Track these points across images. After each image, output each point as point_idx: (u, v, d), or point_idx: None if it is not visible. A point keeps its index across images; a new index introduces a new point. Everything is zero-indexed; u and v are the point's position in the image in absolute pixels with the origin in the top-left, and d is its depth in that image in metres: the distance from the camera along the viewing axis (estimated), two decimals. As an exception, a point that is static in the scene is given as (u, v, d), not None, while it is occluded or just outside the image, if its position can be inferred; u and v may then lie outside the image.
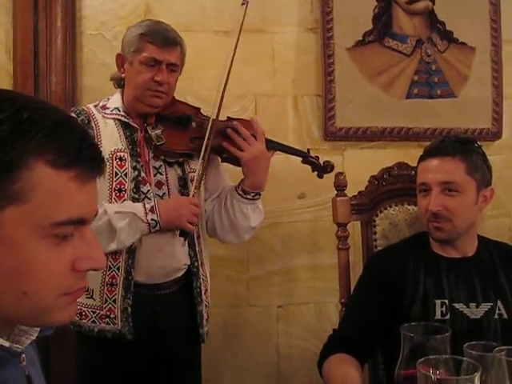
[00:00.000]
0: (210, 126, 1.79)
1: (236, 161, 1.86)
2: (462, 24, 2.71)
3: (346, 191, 1.93)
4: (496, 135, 2.75)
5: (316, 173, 1.98)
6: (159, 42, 1.75)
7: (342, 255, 1.90)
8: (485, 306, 1.64)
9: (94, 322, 1.75)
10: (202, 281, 1.87)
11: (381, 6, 2.61)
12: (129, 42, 1.79)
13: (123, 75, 1.82)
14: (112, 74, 1.89)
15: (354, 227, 2.04)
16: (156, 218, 1.70)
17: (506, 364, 0.98)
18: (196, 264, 1.85)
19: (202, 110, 1.92)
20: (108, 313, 1.74)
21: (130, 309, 1.74)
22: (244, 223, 1.88)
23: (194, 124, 1.83)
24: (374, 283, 1.71)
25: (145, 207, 1.71)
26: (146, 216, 1.69)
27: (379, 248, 1.90)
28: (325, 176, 1.98)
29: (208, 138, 1.78)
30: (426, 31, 2.68)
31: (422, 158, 1.73)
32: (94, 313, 1.75)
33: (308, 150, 1.99)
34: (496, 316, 1.64)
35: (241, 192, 1.86)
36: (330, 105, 2.53)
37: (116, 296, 1.73)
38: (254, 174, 1.84)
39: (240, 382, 2.51)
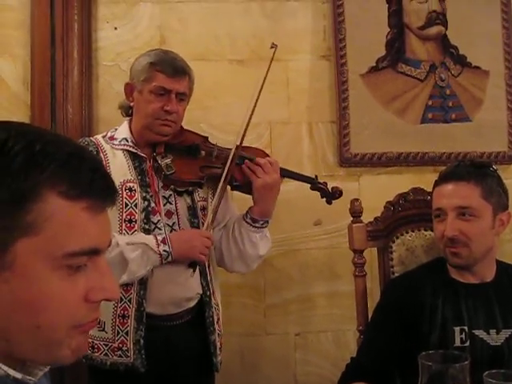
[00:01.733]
0: (232, 153, 1.81)
1: (247, 188, 1.86)
2: (475, 48, 2.71)
3: (362, 217, 1.92)
4: (512, 158, 2.73)
5: (325, 199, 1.97)
6: (169, 71, 1.77)
7: (358, 282, 1.89)
8: (505, 333, 1.62)
9: (106, 354, 1.74)
10: (214, 310, 1.85)
11: (393, 32, 2.63)
12: (138, 71, 1.80)
13: (132, 104, 1.84)
14: (120, 102, 1.91)
15: (371, 253, 2.02)
16: (168, 250, 1.70)
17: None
18: (208, 293, 1.84)
19: (209, 139, 1.92)
20: (120, 345, 1.72)
21: (142, 341, 1.73)
22: (252, 252, 1.88)
23: (203, 153, 1.84)
24: (392, 310, 1.69)
25: (156, 238, 1.70)
26: (158, 247, 1.69)
27: (396, 274, 1.88)
28: (333, 202, 1.97)
29: (229, 167, 1.79)
30: (440, 56, 2.69)
31: (436, 184, 1.72)
32: (106, 345, 1.73)
33: (316, 176, 1.99)
34: (518, 342, 1.61)
35: (249, 220, 1.85)
36: (344, 131, 2.53)
37: (128, 328, 1.72)
38: (264, 202, 1.84)
39: (259, 411, 2.49)
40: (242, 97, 2.36)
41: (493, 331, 1.61)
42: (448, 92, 2.67)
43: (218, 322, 1.88)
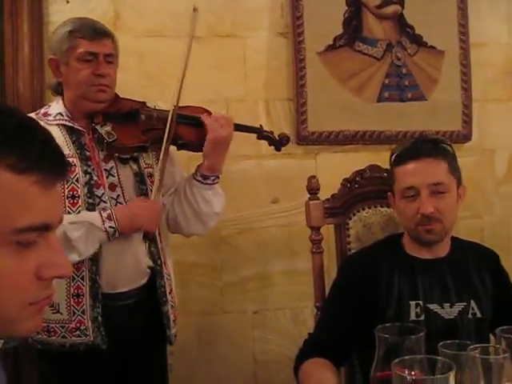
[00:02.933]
0: (171, 113, 1.78)
1: (193, 146, 1.84)
2: (431, 28, 2.74)
3: (319, 195, 1.92)
4: (466, 137, 2.77)
5: (273, 147, 1.97)
6: (90, 34, 1.72)
7: (316, 259, 1.90)
8: (458, 306, 1.66)
9: (64, 337, 1.70)
10: (166, 280, 1.83)
11: (351, 10, 2.62)
12: (58, 43, 1.74)
13: (60, 79, 1.78)
14: (46, 83, 1.84)
15: (328, 230, 2.03)
16: (114, 225, 1.66)
17: (480, 362, 0.98)
18: (159, 262, 1.81)
19: (147, 103, 1.89)
20: (78, 325, 1.69)
21: (100, 318, 1.70)
22: (207, 209, 1.86)
23: (143, 116, 1.80)
24: (348, 286, 1.70)
25: (101, 215, 1.67)
26: (104, 224, 1.66)
27: (353, 251, 1.90)
28: (282, 149, 1.97)
29: (170, 126, 1.76)
30: (396, 35, 2.70)
31: (400, 162, 1.70)
32: (62, 327, 1.69)
33: (261, 125, 1.97)
34: (470, 315, 1.65)
35: (200, 178, 1.83)
36: (301, 109, 2.53)
37: (84, 307, 1.69)
38: (215, 156, 1.81)
39: (216, 389, 2.49)
40: (199, 74, 2.33)
41: (447, 305, 1.65)
42: (404, 71, 2.69)
43: (170, 293, 1.85)
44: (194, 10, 1.87)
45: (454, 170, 1.69)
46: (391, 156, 1.77)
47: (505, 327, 1.13)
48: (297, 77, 2.53)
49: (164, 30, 2.46)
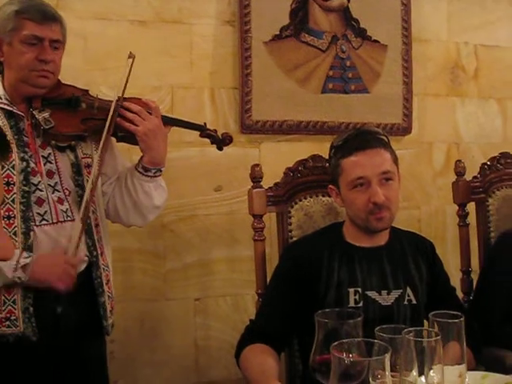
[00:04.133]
0: (114, 104, 1.73)
1: (133, 138, 1.79)
2: (375, 22, 2.79)
3: (262, 183, 1.94)
4: (406, 130, 2.85)
5: (215, 146, 1.96)
6: (38, 17, 1.65)
7: (258, 246, 1.92)
8: (395, 293, 1.71)
9: None
10: (102, 271, 1.78)
11: (298, 1, 2.64)
12: (3, 21, 1.66)
13: (2, 59, 1.70)
14: None
15: (270, 219, 2.05)
16: (23, 277, 1.59)
17: (414, 345, 1.03)
18: (95, 253, 1.76)
19: (89, 92, 1.83)
20: (8, 315, 1.62)
21: (31, 308, 1.64)
22: (147, 202, 1.83)
23: (83, 105, 1.74)
24: (289, 273, 1.73)
25: (17, 264, 1.58)
26: (14, 272, 1.58)
27: (294, 239, 1.93)
28: (224, 148, 1.96)
29: (111, 118, 1.71)
30: (341, 28, 2.74)
31: (346, 154, 1.72)
32: None
33: (205, 123, 1.96)
34: (406, 302, 1.72)
35: (141, 170, 1.79)
36: (246, 98, 2.53)
37: (15, 296, 1.63)
38: (151, 149, 1.77)
39: (158, 376, 2.48)
40: (144, 59, 2.30)
41: (384, 292, 1.70)
42: (348, 64, 2.73)
43: (107, 284, 1.81)
44: (130, 57, 1.80)
45: (395, 158, 1.75)
46: (331, 148, 1.80)
47: (437, 312, 1.18)
48: (242, 66, 2.53)
49: (108, 13, 2.41)
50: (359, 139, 1.72)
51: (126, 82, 1.77)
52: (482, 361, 1.70)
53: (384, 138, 1.76)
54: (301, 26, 2.65)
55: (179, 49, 2.50)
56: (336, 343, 0.97)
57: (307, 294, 1.69)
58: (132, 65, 1.78)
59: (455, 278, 2.18)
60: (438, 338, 1.05)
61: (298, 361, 1.87)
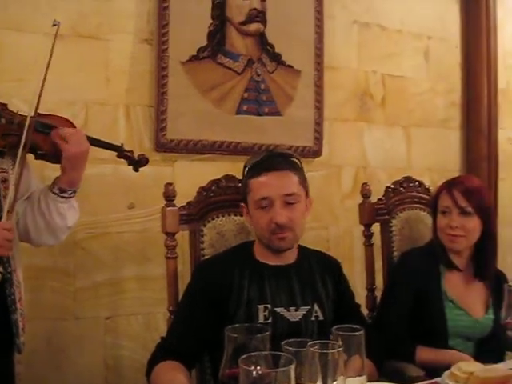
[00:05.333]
0: (28, 121, 1.69)
1: (52, 157, 1.78)
2: (289, 48, 2.88)
3: (176, 202, 1.95)
4: (317, 153, 2.96)
5: (132, 167, 1.97)
6: None
7: (170, 264, 1.93)
8: (303, 310, 1.78)
9: None
10: (15, 287, 1.74)
11: (216, 24, 2.69)
12: None
13: None
14: None
15: (183, 237, 2.07)
16: None
17: (318, 357, 1.08)
18: (9, 269, 1.72)
19: (8, 106, 1.79)
20: None
21: None
22: (61, 223, 1.81)
23: (3, 120, 1.71)
24: (200, 291, 1.76)
25: None
26: None
27: (206, 257, 1.95)
28: (140, 169, 1.98)
29: (26, 134, 1.67)
30: (257, 52, 2.81)
31: (256, 174, 1.78)
32: None
33: (122, 144, 1.97)
34: (313, 318, 1.78)
35: (57, 191, 1.77)
36: (161, 116, 2.54)
37: None
38: (74, 171, 1.76)
39: (66, 397, 2.42)
40: (59, 74, 2.27)
41: (292, 308, 1.76)
42: (263, 87, 2.81)
43: (20, 301, 1.76)
44: (54, 24, 1.80)
45: (303, 181, 1.81)
46: (244, 168, 1.86)
47: (339, 326, 1.24)
48: (159, 84, 2.54)
49: (25, 24, 2.36)
50: (269, 161, 1.79)
51: (48, 64, 1.75)
52: (384, 373, 1.78)
53: (296, 160, 1.83)
54: (218, 47, 2.70)
55: (95, 64, 2.47)
56: (244, 356, 1.01)
57: (218, 312, 1.71)
58: (57, 33, 1.77)
59: (361, 296, 2.28)
60: (341, 349, 1.11)
61: (209, 377, 1.88)
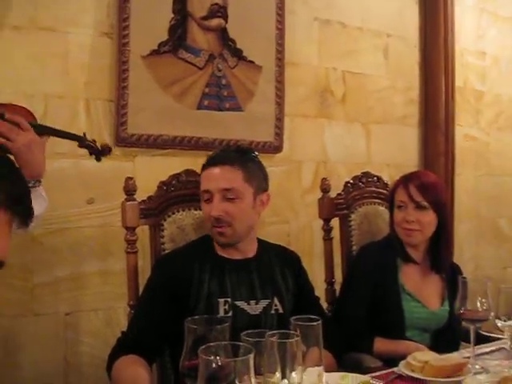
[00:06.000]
0: None
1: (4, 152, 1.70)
2: (251, 44, 2.89)
3: (137, 197, 1.94)
4: (277, 148, 2.98)
5: (94, 157, 1.94)
6: None
7: (130, 258, 1.93)
8: (263, 303, 1.80)
9: None
10: None
11: (177, 18, 2.68)
12: None
13: None
14: None
15: (144, 232, 2.06)
16: None
17: (277, 347, 1.09)
18: None
19: None
20: None
21: None
22: None
23: None
24: (160, 285, 1.76)
25: None
26: None
27: (167, 251, 1.95)
28: (102, 158, 1.95)
29: None
30: (219, 47, 2.81)
31: (204, 167, 1.82)
32: None
33: (84, 133, 1.93)
34: (273, 311, 1.80)
35: None
36: (122, 111, 2.52)
37: None
38: (30, 164, 1.68)
39: (25, 395, 2.39)
40: (18, 67, 2.25)
41: (253, 302, 1.79)
42: (224, 82, 2.81)
43: None
44: None
45: (252, 178, 1.81)
46: None
47: (298, 316, 1.26)
48: (119, 78, 2.52)
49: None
50: (217, 155, 1.82)
51: None
52: (343, 365, 1.82)
53: (249, 156, 1.84)
54: (179, 42, 2.68)
55: (54, 57, 2.43)
56: (203, 347, 1.02)
57: (179, 305, 1.72)
58: None
59: (321, 289, 2.32)
60: (298, 339, 1.13)
61: (169, 371, 1.88)
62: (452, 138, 3.71)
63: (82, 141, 1.92)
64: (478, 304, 1.67)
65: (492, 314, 1.66)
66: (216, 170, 1.77)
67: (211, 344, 1.03)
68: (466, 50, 3.93)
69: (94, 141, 1.93)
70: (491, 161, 4.13)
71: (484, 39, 4.06)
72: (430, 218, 2.10)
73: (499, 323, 1.65)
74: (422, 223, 2.09)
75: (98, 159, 1.95)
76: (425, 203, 2.09)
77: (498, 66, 4.16)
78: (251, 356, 0.97)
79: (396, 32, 3.55)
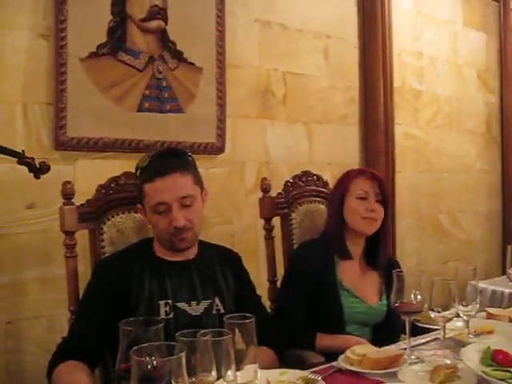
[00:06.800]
0: None
1: None
2: (191, 45, 2.90)
3: (77, 201, 1.92)
4: (220, 149, 3.00)
5: (33, 174, 1.92)
6: None
7: (69, 263, 1.90)
8: (204, 304, 1.81)
9: None
10: None
11: (116, 20, 2.66)
12: None
13: None
14: None
15: (85, 236, 2.04)
16: None
17: (211, 345, 1.11)
18: None
19: None
20: None
21: None
22: None
23: None
24: (100, 289, 1.75)
25: None
26: None
27: (107, 255, 1.94)
28: (41, 176, 1.93)
29: None
30: (158, 49, 2.81)
31: (148, 179, 1.76)
32: None
33: (23, 150, 1.93)
34: (214, 312, 1.81)
35: None
36: (61, 114, 2.49)
37: None
38: None
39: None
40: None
41: (193, 303, 1.79)
42: (164, 84, 2.81)
43: None
44: None
45: (197, 179, 1.83)
46: (137, 170, 1.83)
47: (231, 315, 1.28)
48: (57, 81, 2.49)
49: None
50: (160, 163, 1.76)
51: None
52: (286, 361, 1.84)
53: (188, 158, 1.83)
54: (118, 44, 2.67)
55: (-12, 60, 2.39)
56: (136, 348, 1.02)
57: (119, 309, 1.70)
58: None
59: (265, 288, 2.35)
60: (230, 336, 1.14)
61: (113, 376, 1.87)
62: (392, 136, 3.81)
63: (20, 157, 1.90)
64: (412, 297, 1.72)
65: (426, 305, 1.71)
66: (168, 180, 1.73)
67: (143, 345, 1.03)
68: (404, 50, 4.04)
69: (33, 158, 1.91)
70: (430, 158, 4.25)
71: (420, 40, 4.18)
72: (382, 213, 2.16)
73: (432, 314, 1.71)
74: (379, 215, 2.15)
75: (37, 177, 1.92)
76: (381, 197, 2.15)
77: (434, 66, 4.29)
78: (183, 354, 0.98)
79: (336, 33, 3.62)
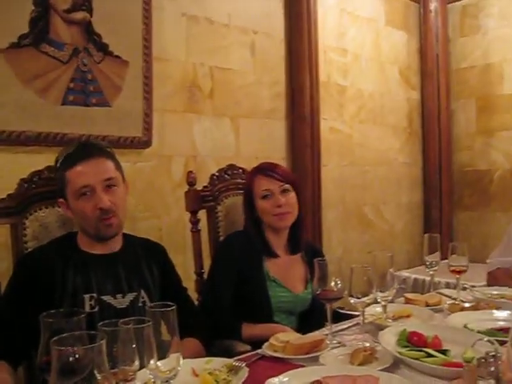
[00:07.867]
0: None
1: None
2: (117, 38, 2.87)
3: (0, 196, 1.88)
4: (146, 143, 2.99)
5: None
6: None
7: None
8: (130, 296, 1.82)
9: None
10: None
11: (38, 10, 2.59)
12: None
13: None
14: None
15: (7, 231, 2.00)
16: None
17: (133, 334, 1.13)
18: None
19: None
20: None
21: None
22: None
23: None
24: (22, 285, 1.73)
25: None
26: None
27: (30, 250, 1.91)
28: None
29: None
30: (83, 41, 2.76)
31: (70, 165, 1.77)
32: None
33: None
34: (140, 304, 1.83)
35: None
36: (-20, 107, 2.43)
37: None
38: None
39: None
40: None
41: (119, 296, 1.80)
42: (90, 77, 2.77)
43: None
44: None
45: (119, 167, 1.86)
46: (56, 162, 1.84)
47: (152, 304, 1.31)
48: (-24, 73, 2.42)
49: None
50: (82, 150, 1.81)
51: None
52: (213, 351, 1.86)
53: (109, 150, 1.86)
54: (41, 35, 2.60)
55: None
56: (56, 338, 1.02)
57: (43, 304, 1.66)
58: None
59: (193, 281, 2.37)
60: (150, 324, 1.16)
61: (38, 372, 1.84)
62: (317, 130, 3.89)
63: None
64: (333, 284, 1.79)
65: (346, 292, 1.78)
66: (91, 163, 1.76)
67: (63, 335, 1.04)
68: (329, 46, 4.13)
69: None
70: (355, 152, 4.38)
71: (345, 37, 4.30)
72: (295, 199, 2.21)
73: (352, 300, 1.78)
74: (290, 204, 2.20)
75: None
76: (287, 185, 2.20)
77: (358, 63, 4.41)
78: (103, 342, 0.99)
79: (262, 29, 3.67)
